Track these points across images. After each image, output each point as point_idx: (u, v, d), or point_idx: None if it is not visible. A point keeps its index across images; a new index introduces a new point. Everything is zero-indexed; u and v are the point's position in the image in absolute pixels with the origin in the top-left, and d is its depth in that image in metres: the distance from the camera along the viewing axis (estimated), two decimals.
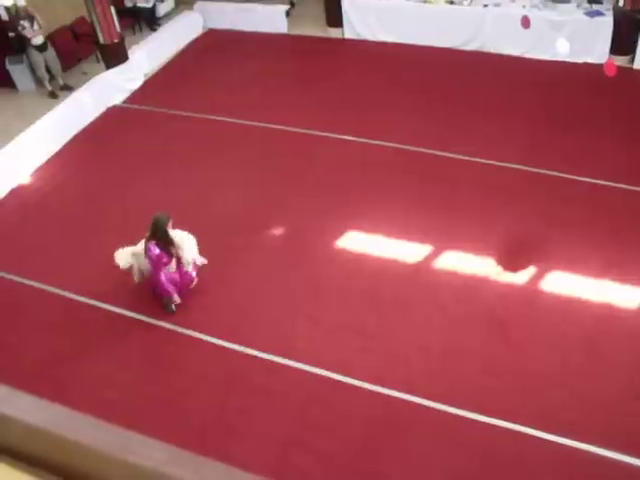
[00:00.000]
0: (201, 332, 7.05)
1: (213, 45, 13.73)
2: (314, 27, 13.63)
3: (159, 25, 13.87)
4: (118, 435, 0.93)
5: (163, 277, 7.05)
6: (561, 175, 8.90)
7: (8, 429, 1.03)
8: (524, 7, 11.72)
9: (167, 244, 6.96)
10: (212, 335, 7.00)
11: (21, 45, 11.59)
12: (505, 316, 6.97)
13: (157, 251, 6.88)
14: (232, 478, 0.80)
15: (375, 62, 12.36)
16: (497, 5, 12.00)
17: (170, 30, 13.58)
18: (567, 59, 11.04)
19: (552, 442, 5.72)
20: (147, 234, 6.97)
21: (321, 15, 13.54)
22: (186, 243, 7.11)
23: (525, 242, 8.05)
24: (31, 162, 10.10)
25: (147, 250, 6.91)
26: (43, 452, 1.07)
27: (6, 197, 9.56)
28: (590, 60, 11.39)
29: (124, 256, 7.30)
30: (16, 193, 9.68)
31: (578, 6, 11.69)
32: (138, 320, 7.29)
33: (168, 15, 14.27)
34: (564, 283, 7.34)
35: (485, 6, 12.01)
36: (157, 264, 6.97)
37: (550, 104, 10.56)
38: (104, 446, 0.91)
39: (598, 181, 8.74)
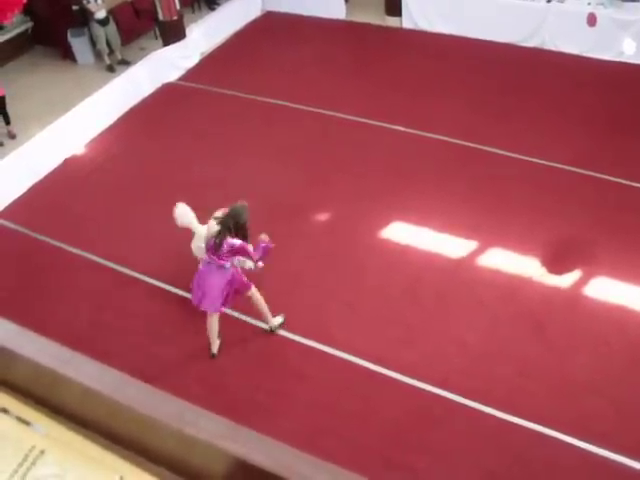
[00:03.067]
0: (239, 311, 7.10)
1: (270, 28, 13.72)
2: (372, 15, 13.51)
3: (218, 5, 13.94)
4: (174, 405, 0.94)
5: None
6: (615, 180, 8.67)
7: (68, 391, 1.06)
8: (589, 4, 11.41)
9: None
10: (250, 315, 7.05)
11: (84, 18, 11.82)
12: (547, 319, 6.86)
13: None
14: (285, 455, 0.80)
15: (431, 54, 12.19)
16: (561, 1, 11.71)
17: (228, 10, 13.63)
18: (630, 60, 10.77)
19: (586, 450, 5.63)
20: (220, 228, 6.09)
21: (380, 3, 13.41)
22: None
23: (572, 246, 7.88)
24: (86, 134, 10.31)
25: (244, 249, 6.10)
26: (96, 415, 1.10)
27: (60, 166, 9.78)
28: None
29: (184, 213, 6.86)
30: (70, 163, 9.90)
31: None
32: (177, 295, 7.40)
33: None
34: (610, 290, 7.17)
35: (548, 1, 11.73)
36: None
37: (609, 106, 10.26)
38: (160, 415, 0.92)
39: None
